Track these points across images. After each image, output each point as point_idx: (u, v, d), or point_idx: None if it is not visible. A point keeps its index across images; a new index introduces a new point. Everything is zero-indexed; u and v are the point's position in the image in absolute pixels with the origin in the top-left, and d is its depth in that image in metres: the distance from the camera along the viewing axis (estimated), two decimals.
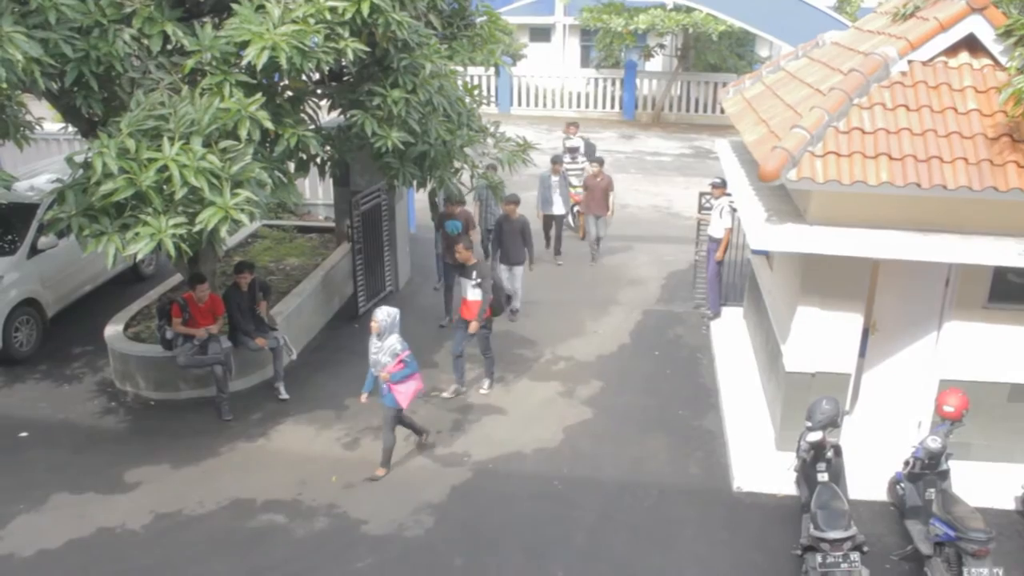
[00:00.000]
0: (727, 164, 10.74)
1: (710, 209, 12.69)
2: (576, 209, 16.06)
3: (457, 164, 10.40)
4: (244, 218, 7.12)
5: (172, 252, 6.93)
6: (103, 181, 6.89)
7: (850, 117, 7.73)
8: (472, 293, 10.17)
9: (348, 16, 7.88)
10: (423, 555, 7.90)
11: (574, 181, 15.77)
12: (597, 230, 15.04)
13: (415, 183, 10.19)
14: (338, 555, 7.87)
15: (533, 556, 7.88)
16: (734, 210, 12.00)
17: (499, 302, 10.42)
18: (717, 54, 27.35)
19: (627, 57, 27.91)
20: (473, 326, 10.13)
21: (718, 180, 12.68)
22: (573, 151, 16.55)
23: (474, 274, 10.15)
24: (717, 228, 12.40)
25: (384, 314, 8.69)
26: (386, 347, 8.64)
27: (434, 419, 10.13)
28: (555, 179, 14.86)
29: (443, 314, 12.63)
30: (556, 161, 15.10)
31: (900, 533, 7.96)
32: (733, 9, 20.52)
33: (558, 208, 14.86)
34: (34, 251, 11.66)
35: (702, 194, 12.98)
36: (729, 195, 12.29)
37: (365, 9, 7.88)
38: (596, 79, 28.49)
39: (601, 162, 14.90)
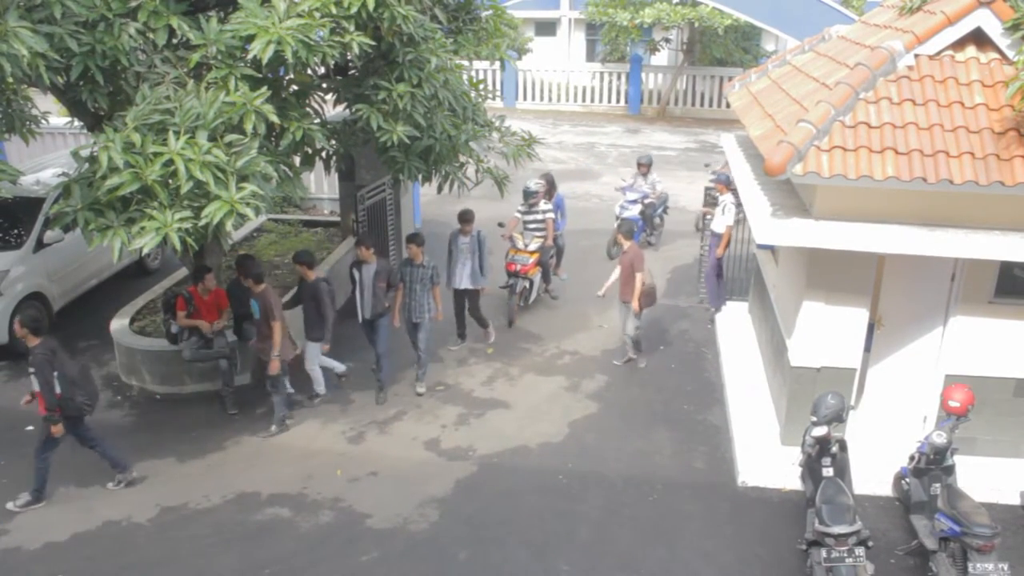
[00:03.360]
0: (733, 158, 10.71)
1: (715, 204, 12.68)
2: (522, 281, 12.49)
3: (463, 158, 10.39)
4: (250, 212, 7.12)
5: (178, 246, 6.93)
6: (109, 175, 6.89)
7: (856, 111, 7.71)
8: (34, 383, 8.25)
9: (353, 10, 7.87)
10: (428, 549, 7.91)
11: (518, 243, 12.51)
12: (624, 324, 11.26)
13: (420, 177, 10.19)
14: (343, 549, 7.89)
15: (538, 550, 7.89)
16: (737, 206, 12.05)
17: (71, 401, 8.22)
18: (723, 48, 27.32)
19: (633, 51, 27.87)
20: (54, 428, 8.22)
21: (723, 176, 12.72)
22: (529, 196, 12.69)
23: (30, 359, 8.24)
24: (719, 224, 12.39)
25: None
26: None
27: (439, 413, 10.15)
28: (464, 240, 11.34)
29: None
30: (465, 219, 11.38)
31: (905, 528, 7.96)
32: (739, 3, 20.52)
33: (464, 281, 11.42)
34: (40, 245, 11.69)
35: (707, 188, 12.97)
36: (734, 190, 12.29)
37: (370, 3, 7.87)
38: (601, 73, 28.47)
39: (630, 231, 11.13)
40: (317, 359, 10.13)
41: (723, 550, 7.91)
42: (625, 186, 15.18)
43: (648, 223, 15.24)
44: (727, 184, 12.50)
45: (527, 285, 12.56)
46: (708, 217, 13.21)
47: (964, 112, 7.64)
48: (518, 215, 12.73)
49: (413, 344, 10.61)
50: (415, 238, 10.33)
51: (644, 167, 15.13)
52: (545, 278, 13.09)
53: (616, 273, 11.14)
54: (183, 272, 11.97)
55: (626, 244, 10.93)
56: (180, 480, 8.89)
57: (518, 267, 12.35)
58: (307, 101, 9.31)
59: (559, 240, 13.40)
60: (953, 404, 7.61)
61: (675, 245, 15.65)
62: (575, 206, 17.64)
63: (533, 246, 12.49)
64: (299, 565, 7.69)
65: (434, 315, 10.47)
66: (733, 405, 10.09)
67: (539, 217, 12.65)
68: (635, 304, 10.76)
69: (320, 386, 10.31)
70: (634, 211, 14.74)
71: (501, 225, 12.93)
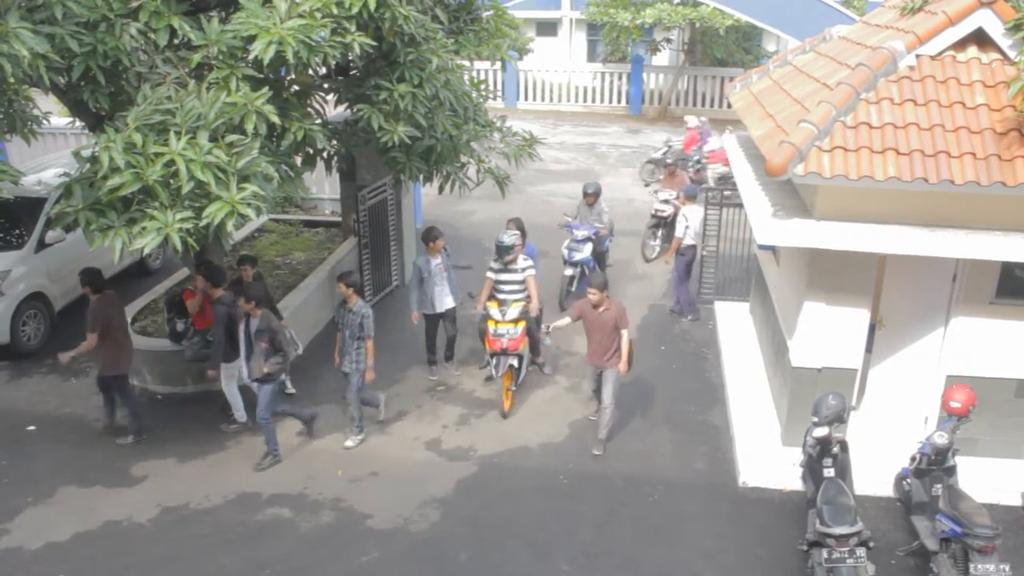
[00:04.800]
0: (734, 158, 10.71)
1: (716, 204, 12.70)
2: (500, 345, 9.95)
3: (464, 159, 10.40)
4: (251, 212, 7.12)
5: (178, 246, 6.93)
6: (110, 175, 6.89)
7: (857, 112, 7.70)
8: None
9: (355, 10, 7.87)
10: (428, 549, 7.92)
11: (494, 312, 10.10)
12: (602, 392, 9.38)
13: (421, 177, 10.19)
14: (344, 549, 7.89)
15: (538, 551, 7.89)
16: (687, 226, 12.43)
17: None
18: (724, 48, 27.32)
19: (634, 51, 27.87)
20: None
21: (691, 189, 12.99)
22: (505, 252, 10.12)
23: None
24: (687, 235, 12.57)
25: None
26: None
27: (440, 413, 10.15)
28: (436, 262, 10.54)
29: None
30: (432, 237, 10.60)
31: (906, 529, 7.95)
32: (740, 3, 20.51)
33: (445, 302, 10.67)
34: (42, 245, 11.72)
35: (709, 189, 12.98)
36: (697, 205, 12.66)
37: (372, 3, 7.87)
38: (603, 73, 28.46)
39: (604, 283, 9.20)
40: (229, 383, 9.54)
41: (724, 550, 7.90)
42: (571, 223, 13.12)
43: (600, 262, 13.24)
44: (691, 197, 12.70)
45: (515, 363, 10.15)
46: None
47: (965, 112, 7.64)
48: (491, 275, 10.28)
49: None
50: (344, 277, 9.26)
51: (591, 196, 13.07)
52: (533, 349, 10.74)
53: (568, 319, 9.54)
54: (184, 272, 11.98)
55: (603, 299, 9.10)
56: (181, 480, 8.89)
57: (504, 343, 9.89)
58: (308, 101, 9.31)
59: None
60: (954, 405, 7.60)
61: None
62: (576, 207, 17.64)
63: (513, 314, 10.07)
64: (300, 565, 7.69)
65: (363, 370, 9.30)
66: (734, 405, 10.09)
67: (518, 277, 10.22)
68: (624, 367, 9.20)
69: (239, 412, 9.73)
70: (586, 252, 12.74)
71: (471, 296, 10.81)
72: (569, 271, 12.81)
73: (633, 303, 13.22)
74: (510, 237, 10.18)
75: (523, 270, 10.23)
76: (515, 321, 10.05)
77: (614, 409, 9.36)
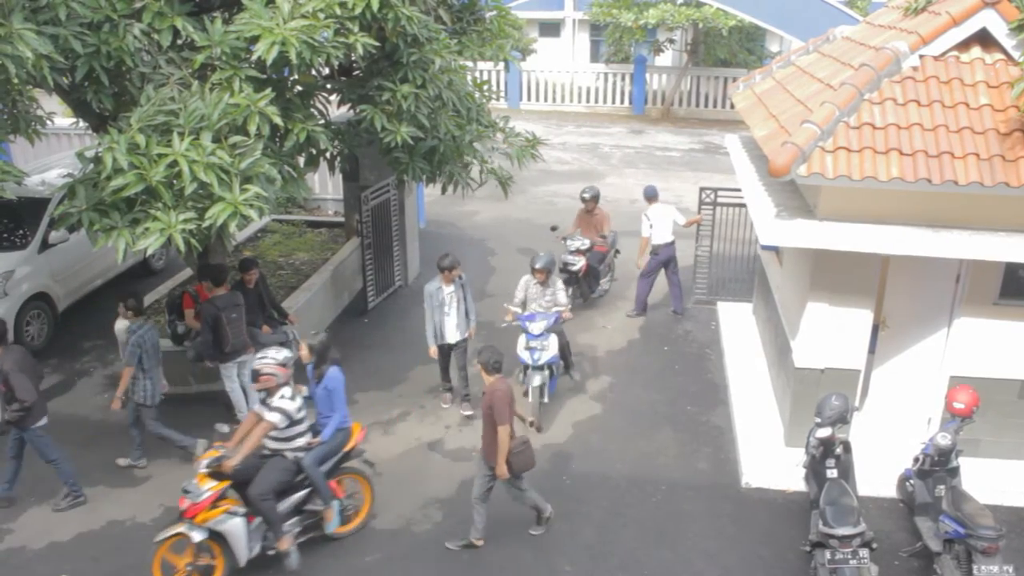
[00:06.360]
0: (737, 159, 10.70)
1: (710, 204, 12.72)
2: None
3: (467, 159, 10.39)
4: (253, 213, 7.12)
5: (181, 247, 6.94)
6: (113, 176, 6.90)
7: (861, 112, 7.69)
8: None
9: (358, 11, 7.87)
10: (431, 550, 7.92)
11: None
12: (478, 489, 7.83)
13: (424, 178, 10.19)
14: (347, 550, 7.89)
15: (541, 551, 7.89)
16: (651, 224, 12.47)
17: None
18: (727, 49, 27.27)
19: (637, 52, 27.86)
20: None
21: (651, 189, 12.91)
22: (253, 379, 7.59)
23: None
24: (663, 235, 12.55)
25: None
26: None
27: (442, 413, 10.15)
28: (448, 290, 9.70)
29: None
30: (449, 265, 9.59)
31: (909, 530, 7.95)
32: (743, 4, 20.46)
33: (452, 334, 9.80)
34: (45, 245, 11.73)
35: (703, 189, 12.97)
36: (661, 203, 12.67)
37: (375, 4, 7.87)
38: (606, 74, 28.45)
39: (493, 361, 7.52)
40: (231, 383, 9.49)
41: (726, 551, 7.90)
42: (521, 315, 10.12)
43: (565, 358, 10.42)
44: (652, 197, 12.71)
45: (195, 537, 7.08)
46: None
47: (969, 113, 7.63)
48: (261, 411, 7.51)
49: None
50: (123, 299, 8.89)
51: (541, 273, 10.01)
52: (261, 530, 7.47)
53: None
54: (187, 272, 11.99)
55: (488, 380, 7.50)
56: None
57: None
58: (311, 102, 9.32)
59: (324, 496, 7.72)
60: (957, 406, 7.60)
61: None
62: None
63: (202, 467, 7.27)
64: (302, 565, 7.69)
65: (151, 404, 8.89)
66: (737, 406, 10.08)
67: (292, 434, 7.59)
68: (500, 470, 7.48)
69: (242, 412, 9.42)
70: (553, 348, 9.86)
71: (199, 487, 7.24)
72: (537, 380, 9.67)
73: (633, 304, 13.21)
74: (262, 362, 7.42)
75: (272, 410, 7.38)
76: (210, 478, 7.18)
77: (481, 508, 7.71)
